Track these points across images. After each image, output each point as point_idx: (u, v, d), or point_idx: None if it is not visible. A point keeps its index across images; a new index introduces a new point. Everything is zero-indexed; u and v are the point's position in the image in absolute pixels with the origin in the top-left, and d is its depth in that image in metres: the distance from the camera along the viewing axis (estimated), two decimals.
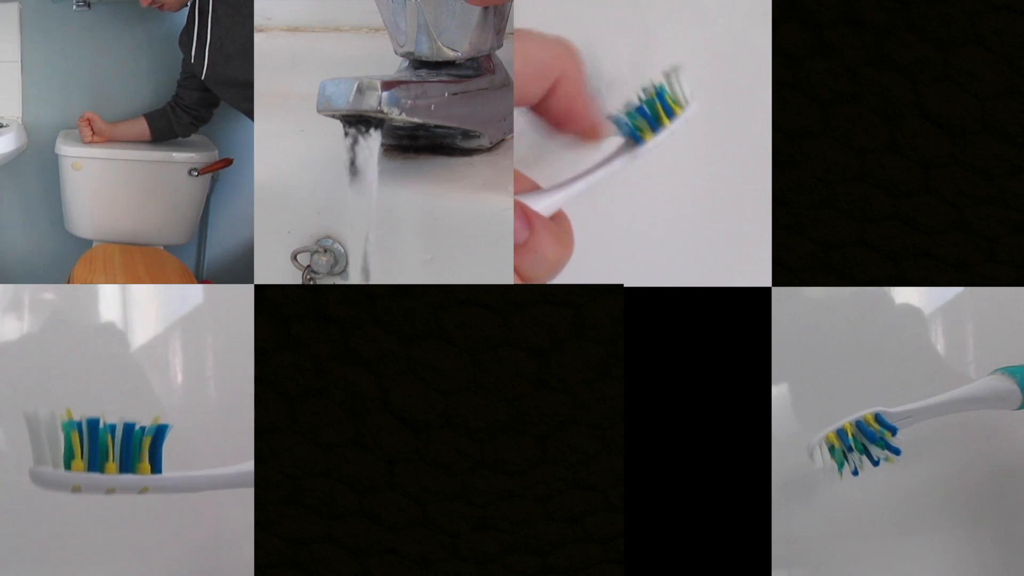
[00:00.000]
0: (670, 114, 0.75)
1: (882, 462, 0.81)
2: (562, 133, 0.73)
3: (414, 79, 0.80)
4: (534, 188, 0.72)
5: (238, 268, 1.57)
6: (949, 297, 0.93)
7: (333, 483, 0.84)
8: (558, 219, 0.72)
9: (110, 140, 1.50)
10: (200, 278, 1.61)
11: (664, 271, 0.87)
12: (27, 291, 0.92)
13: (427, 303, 0.81)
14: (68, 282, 1.41)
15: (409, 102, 0.76)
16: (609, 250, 0.86)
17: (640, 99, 0.76)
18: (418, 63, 0.82)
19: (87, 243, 1.54)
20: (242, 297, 0.86)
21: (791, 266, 0.81)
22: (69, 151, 1.49)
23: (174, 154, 1.52)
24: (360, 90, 0.75)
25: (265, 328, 0.84)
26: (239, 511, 0.86)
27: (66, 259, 1.52)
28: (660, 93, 0.76)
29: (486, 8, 0.80)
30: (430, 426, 0.83)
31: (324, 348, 0.83)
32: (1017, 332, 0.92)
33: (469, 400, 0.83)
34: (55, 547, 0.91)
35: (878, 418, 0.81)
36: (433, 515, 0.83)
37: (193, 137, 1.55)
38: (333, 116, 0.77)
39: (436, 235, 0.80)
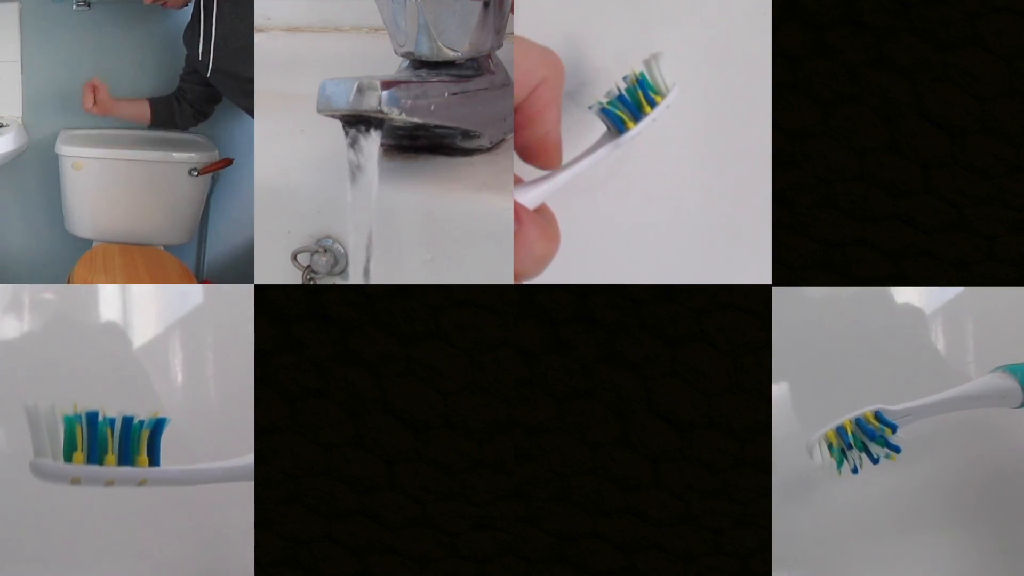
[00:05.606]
0: (651, 103, 0.76)
1: (882, 459, 0.80)
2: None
3: (414, 79, 0.80)
4: (516, 181, 0.72)
5: (238, 268, 1.57)
6: (949, 297, 0.93)
7: (333, 482, 0.84)
8: (542, 212, 0.72)
9: (109, 114, 1.49)
10: (200, 278, 1.61)
11: (663, 269, 0.87)
12: (27, 291, 0.92)
13: (426, 304, 0.81)
14: (68, 282, 1.41)
15: (409, 102, 0.76)
16: (604, 248, 0.86)
17: (620, 88, 0.77)
18: (418, 63, 0.82)
19: (87, 243, 1.54)
20: (242, 297, 0.86)
21: (792, 264, 0.81)
22: (69, 151, 1.49)
23: (174, 154, 1.51)
24: (360, 90, 0.75)
25: (265, 328, 0.84)
26: (239, 509, 0.86)
27: (66, 259, 1.52)
28: (641, 81, 0.76)
29: (486, 7, 0.80)
30: (429, 426, 0.83)
31: (324, 348, 0.83)
32: (1017, 332, 0.92)
33: (468, 400, 0.83)
34: (55, 546, 0.91)
35: (878, 415, 0.81)
36: (432, 514, 0.83)
37: (193, 137, 1.55)
38: (333, 116, 0.77)
39: (436, 235, 0.80)
